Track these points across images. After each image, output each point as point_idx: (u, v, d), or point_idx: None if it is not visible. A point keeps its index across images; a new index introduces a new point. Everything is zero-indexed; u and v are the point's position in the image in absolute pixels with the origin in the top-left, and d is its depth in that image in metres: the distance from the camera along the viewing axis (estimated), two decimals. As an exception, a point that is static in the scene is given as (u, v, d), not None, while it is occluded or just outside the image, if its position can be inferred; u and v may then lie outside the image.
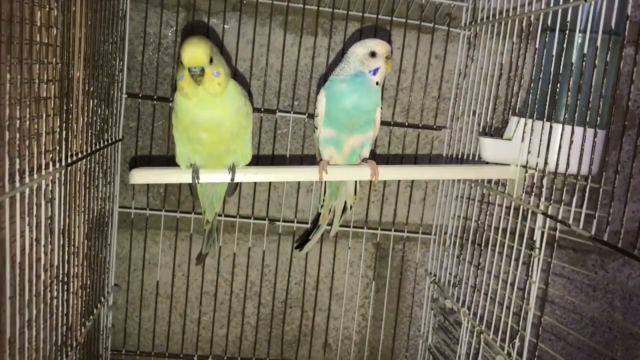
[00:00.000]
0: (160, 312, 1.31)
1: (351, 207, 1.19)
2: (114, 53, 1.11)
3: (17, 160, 0.73)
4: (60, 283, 0.90)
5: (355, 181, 1.15)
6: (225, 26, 1.21)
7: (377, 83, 1.01)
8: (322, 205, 1.18)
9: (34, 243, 0.79)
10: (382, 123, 1.17)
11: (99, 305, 1.13)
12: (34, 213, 0.78)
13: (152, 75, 1.22)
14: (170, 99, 1.21)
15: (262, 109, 1.23)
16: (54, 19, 0.82)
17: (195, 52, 0.87)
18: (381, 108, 1.06)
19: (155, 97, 1.21)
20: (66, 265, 0.92)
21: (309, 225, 1.29)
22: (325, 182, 1.15)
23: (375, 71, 1.01)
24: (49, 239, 0.85)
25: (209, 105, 0.92)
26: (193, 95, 0.90)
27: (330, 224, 1.19)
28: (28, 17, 0.75)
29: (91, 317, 1.08)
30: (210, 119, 0.92)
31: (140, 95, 1.21)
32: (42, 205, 0.81)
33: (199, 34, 0.92)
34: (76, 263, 0.97)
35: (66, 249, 0.91)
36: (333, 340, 1.36)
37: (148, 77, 1.22)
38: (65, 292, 0.92)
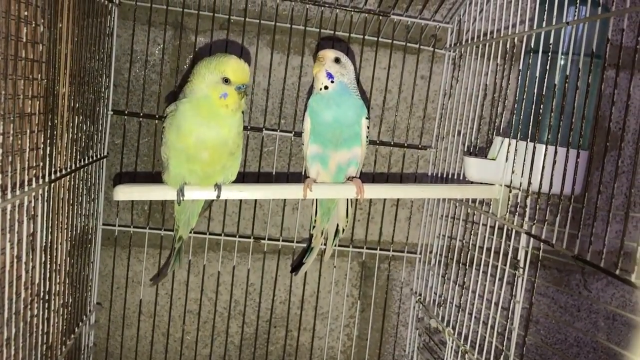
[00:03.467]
0: (143, 331, 1.29)
1: (343, 230, 1.19)
2: (101, 70, 1.11)
3: (0, 176, 0.72)
4: (41, 301, 0.89)
5: (347, 204, 1.16)
6: (212, 45, 1.22)
7: (324, 87, 1.03)
8: (313, 227, 1.19)
9: (15, 260, 0.78)
10: (369, 142, 1.17)
11: (80, 323, 1.11)
12: (16, 229, 0.78)
13: (139, 93, 1.21)
14: (157, 117, 1.21)
15: (249, 127, 1.23)
16: (40, 35, 0.82)
17: (244, 70, 0.94)
18: (368, 126, 1.06)
19: (141, 114, 1.20)
20: (47, 283, 0.90)
21: (294, 244, 1.28)
22: (316, 203, 1.16)
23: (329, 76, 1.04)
24: (31, 256, 0.84)
25: (220, 124, 0.94)
26: (237, 110, 0.95)
27: (324, 243, 1.20)
28: (14, 33, 0.74)
29: (72, 336, 1.06)
30: (217, 137, 0.94)
31: (126, 112, 1.20)
32: (25, 222, 0.80)
33: (229, 53, 0.96)
34: (58, 281, 0.96)
35: (48, 266, 0.90)
36: (318, 360, 1.35)
37: (134, 94, 1.22)
38: (46, 311, 0.91)
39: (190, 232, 1.18)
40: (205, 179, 0.99)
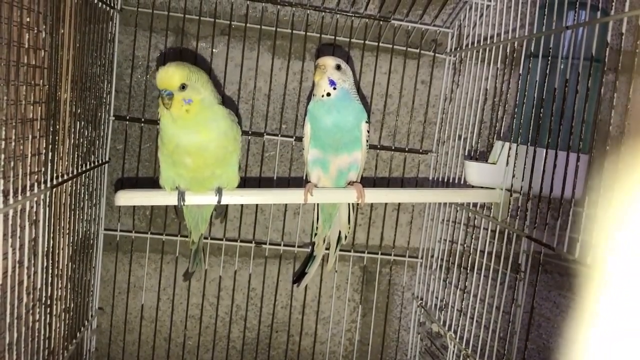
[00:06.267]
0: (145, 336, 1.29)
1: (345, 237, 1.19)
2: (102, 75, 1.11)
3: (2, 182, 0.72)
4: (43, 306, 0.89)
5: (349, 210, 1.16)
6: (213, 50, 1.22)
7: (326, 94, 1.03)
8: (315, 234, 1.18)
9: (17, 265, 0.78)
10: (370, 147, 1.17)
11: (82, 328, 1.12)
12: (18, 235, 0.78)
13: (140, 98, 1.22)
14: (158, 122, 1.21)
15: (250, 132, 1.23)
16: (42, 42, 0.83)
17: (166, 76, 0.90)
18: (368, 130, 1.07)
19: (142, 119, 1.21)
20: (49, 288, 0.91)
21: (296, 249, 1.28)
22: (317, 209, 1.16)
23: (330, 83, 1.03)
24: (33, 261, 0.84)
25: (192, 129, 0.93)
26: (162, 115, 0.94)
27: (327, 248, 1.20)
28: (16, 39, 0.75)
29: (74, 341, 1.06)
30: (194, 143, 0.93)
31: (127, 117, 1.21)
32: (26, 227, 0.80)
33: (178, 60, 0.94)
34: (60, 286, 0.96)
35: (50, 271, 0.90)
36: (319, 365, 1.34)
37: (136, 100, 1.22)
38: (48, 316, 0.91)
39: (201, 237, 1.17)
40: (195, 184, 0.99)
